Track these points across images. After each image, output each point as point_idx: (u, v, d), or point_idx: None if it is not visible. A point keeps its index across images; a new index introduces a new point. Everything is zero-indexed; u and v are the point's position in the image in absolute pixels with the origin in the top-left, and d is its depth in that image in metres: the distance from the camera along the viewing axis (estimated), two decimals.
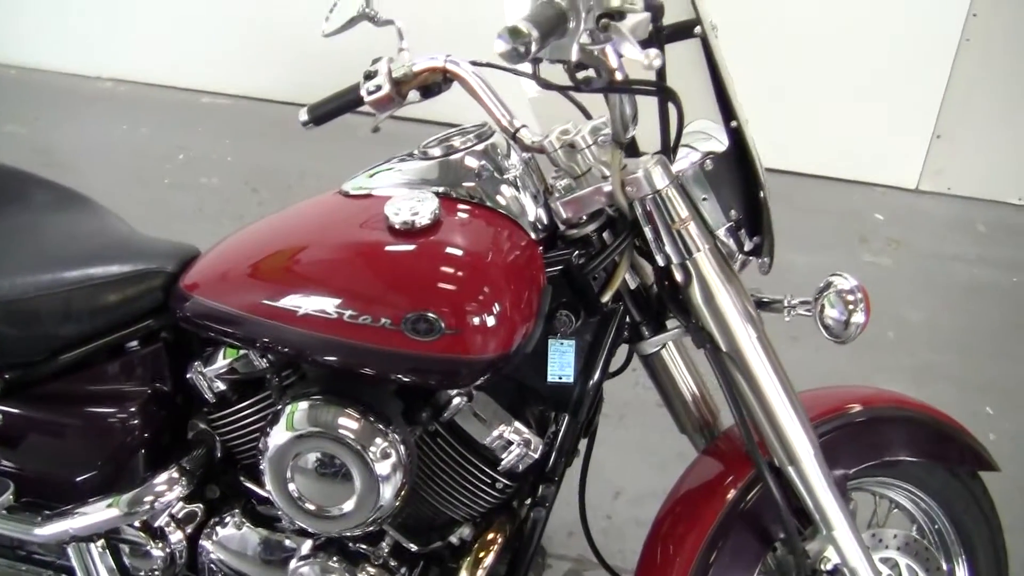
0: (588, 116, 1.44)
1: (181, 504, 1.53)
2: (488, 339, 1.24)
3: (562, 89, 1.16)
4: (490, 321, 1.23)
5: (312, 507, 1.36)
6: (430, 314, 1.22)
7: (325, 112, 1.63)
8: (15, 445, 1.50)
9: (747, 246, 1.37)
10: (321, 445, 1.33)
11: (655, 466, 2.38)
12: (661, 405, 1.59)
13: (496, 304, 1.23)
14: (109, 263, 1.46)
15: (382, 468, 1.32)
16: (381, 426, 1.34)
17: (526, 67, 1.53)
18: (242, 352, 1.45)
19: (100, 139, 4.06)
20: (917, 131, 3.90)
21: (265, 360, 1.44)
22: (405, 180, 1.37)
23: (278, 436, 1.35)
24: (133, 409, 1.49)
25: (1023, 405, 2.80)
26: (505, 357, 1.26)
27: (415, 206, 1.27)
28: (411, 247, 1.27)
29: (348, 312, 1.25)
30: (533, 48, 1.07)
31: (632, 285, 1.44)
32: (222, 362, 1.46)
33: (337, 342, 1.27)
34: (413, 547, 1.49)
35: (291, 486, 1.36)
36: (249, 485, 1.54)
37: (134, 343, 1.49)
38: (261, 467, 1.38)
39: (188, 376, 1.49)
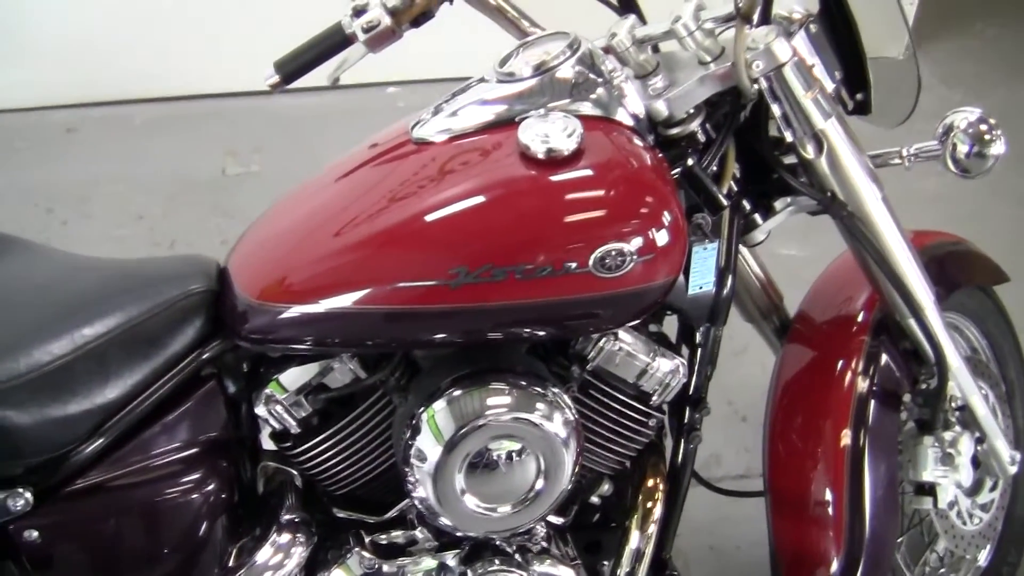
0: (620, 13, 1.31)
1: None
2: (669, 258, 1.11)
3: None
4: (666, 238, 1.09)
5: (506, 508, 1.17)
6: (621, 245, 1.06)
7: (301, 64, 1.37)
8: (60, 561, 1.15)
9: (850, 105, 1.30)
10: (484, 438, 1.13)
11: None
12: None
13: (667, 218, 1.10)
14: (136, 297, 1.14)
15: (560, 430, 1.15)
16: (539, 389, 1.16)
17: None
18: (322, 365, 1.20)
19: None
20: None
21: (359, 364, 1.20)
22: (500, 109, 1.16)
23: (431, 451, 1.13)
24: (200, 471, 1.19)
25: None
26: (678, 274, 1.14)
27: (554, 131, 1.07)
28: (573, 176, 1.08)
29: (522, 268, 1.05)
30: None
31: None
32: (302, 381, 1.20)
33: (512, 307, 1.08)
34: (560, 521, 1.33)
35: (467, 498, 1.15)
36: (347, 515, 1.30)
37: (180, 388, 1.18)
38: (414, 483, 1.15)
39: (258, 409, 1.21)
